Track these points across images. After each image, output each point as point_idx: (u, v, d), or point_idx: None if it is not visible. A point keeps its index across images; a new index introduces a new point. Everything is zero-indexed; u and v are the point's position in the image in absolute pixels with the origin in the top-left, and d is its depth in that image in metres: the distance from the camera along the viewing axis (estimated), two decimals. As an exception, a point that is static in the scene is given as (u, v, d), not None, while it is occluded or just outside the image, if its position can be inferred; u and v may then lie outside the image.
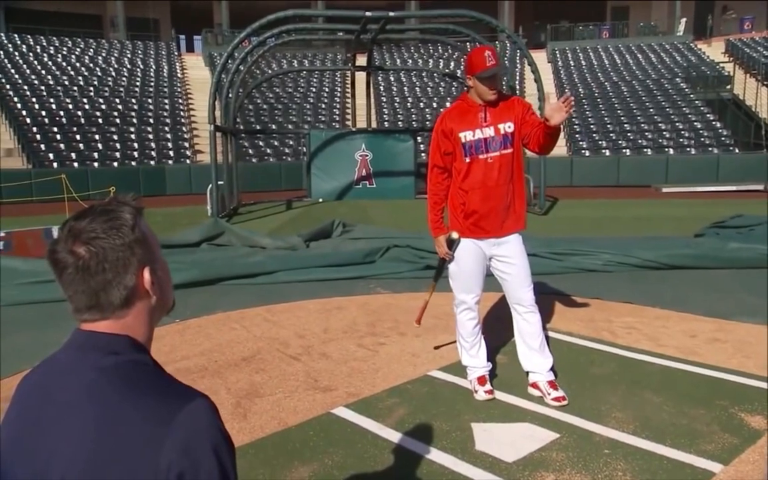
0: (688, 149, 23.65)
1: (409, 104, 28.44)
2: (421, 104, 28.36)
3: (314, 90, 29.35)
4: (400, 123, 26.54)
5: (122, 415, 0.99)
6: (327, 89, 29.55)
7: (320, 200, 18.36)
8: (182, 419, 0.99)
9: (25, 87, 24.77)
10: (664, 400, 3.69)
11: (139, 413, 0.99)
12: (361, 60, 22.07)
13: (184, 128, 25.04)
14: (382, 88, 29.35)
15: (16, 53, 27.55)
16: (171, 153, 23.26)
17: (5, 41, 28.37)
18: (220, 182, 14.34)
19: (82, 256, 1.02)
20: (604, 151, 24.07)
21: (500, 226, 3.62)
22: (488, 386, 3.82)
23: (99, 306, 1.05)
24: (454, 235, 3.69)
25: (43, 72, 26.54)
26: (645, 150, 23.89)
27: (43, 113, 23.39)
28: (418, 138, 21.13)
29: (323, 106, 28.08)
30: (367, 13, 14.62)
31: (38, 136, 22.10)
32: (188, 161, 23.02)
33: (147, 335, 1.11)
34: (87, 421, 0.99)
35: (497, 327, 4.86)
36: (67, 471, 0.99)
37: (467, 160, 3.59)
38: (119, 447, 0.97)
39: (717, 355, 4.44)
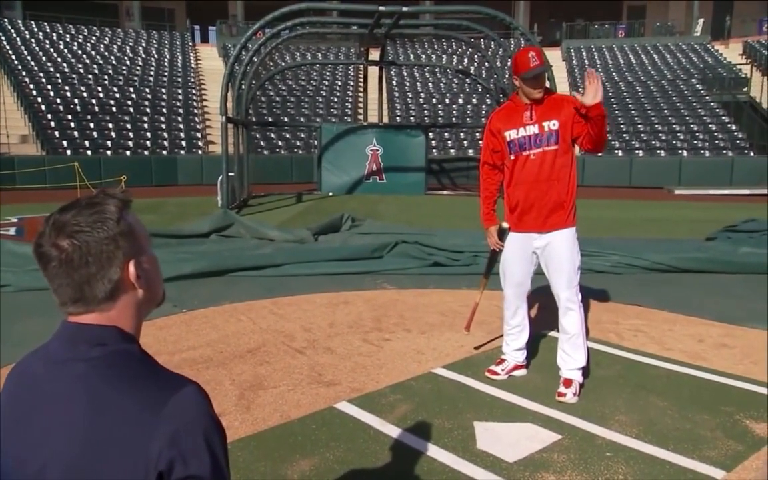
0: (702, 151, 23.43)
1: (421, 100, 28.38)
2: (434, 100, 28.29)
3: (327, 83, 29.36)
4: (412, 118, 26.49)
5: (112, 404, 0.99)
6: (339, 83, 29.55)
7: (330, 194, 18.39)
8: (172, 407, 0.99)
9: (41, 74, 24.96)
10: (668, 404, 3.67)
11: (129, 402, 0.99)
12: (375, 54, 22.05)
13: (196, 119, 25.15)
14: (394, 83, 29.31)
15: (33, 40, 27.76)
16: (183, 143, 23.38)
17: (22, 28, 28.60)
18: (231, 173, 14.39)
19: (65, 249, 1.02)
20: (616, 151, 23.92)
21: (543, 221, 3.71)
22: (496, 368, 4.06)
23: (83, 299, 1.05)
24: (505, 225, 3.85)
25: (59, 59, 26.73)
26: (658, 151, 23.71)
27: (58, 100, 23.57)
28: (430, 134, 21.08)
29: (335, 99, 28.09)
30: (381, 8, 14.59)
31: (52, 123, 22.29)
32: (200, 152, 23.13)
33: (135, 328, 1.11)
34: (77, 411, 1.00)
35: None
36: (57, 461, 0.99)
37: (512, 157, 3.76)
38: (109, 436, 0.98)
39: (724, 360, 4.40)
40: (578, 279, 3.78)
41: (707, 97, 26.64)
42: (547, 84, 3.91)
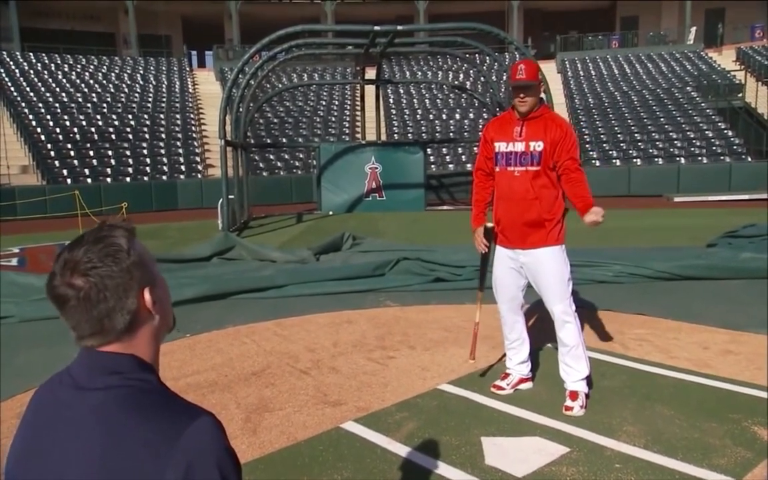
0: (700, 158, 23.49)
1: (418, 116, 28.53)
2: (431, 116, 28.44)
3: (324, 103, 29.53)
4: (409, 135, 26.61)
5: (128, 433, 1.00)
6: (337, 103, 29.72)
7: (330, 213, 18.42)
8: (187, 438, 1.00)
9: (40, 104, 25.14)
10: (675, 413, 3.65)
11: (145, 432, 1.00)
12: (371, 73, 22.21)
13: (195, 143, 25.26)
14: (391, 100, 29.48)
15: (32, 71, 28.00)
16: (183, 167, 23.47)
17: (20, 60, 28.86)
18: (230, 196, 14.43)
19: (82, 287, 1.03)
20: (614, 160, 23.98)
21: (523, 239, 3.74)
22: (501, 383, 4.05)
23: (103, 332, 1.06)
24: (489, 224, 3.89)
25: (58, 89, 26.94)
26: (656, 159, 23.77)
27: (57, 130, 23.71)
28: (428, 150, 21.15)
29: (333, 119, 28.24)
30: (376, 27, 14.72)
31: (52, 153, 22.40)
32: (200, 176, 23.21)
33: (152, 355, 1.13)
34: (93, 439, 1.01)
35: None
36: None
37: (497, 169, 3.79)
38: (125, 466, 0.98)
39: (730, 367, 4.39)
40: (570, 290, 3.78)
41: (703, 104, 26.77)
42: (543, 96, 3.93)
